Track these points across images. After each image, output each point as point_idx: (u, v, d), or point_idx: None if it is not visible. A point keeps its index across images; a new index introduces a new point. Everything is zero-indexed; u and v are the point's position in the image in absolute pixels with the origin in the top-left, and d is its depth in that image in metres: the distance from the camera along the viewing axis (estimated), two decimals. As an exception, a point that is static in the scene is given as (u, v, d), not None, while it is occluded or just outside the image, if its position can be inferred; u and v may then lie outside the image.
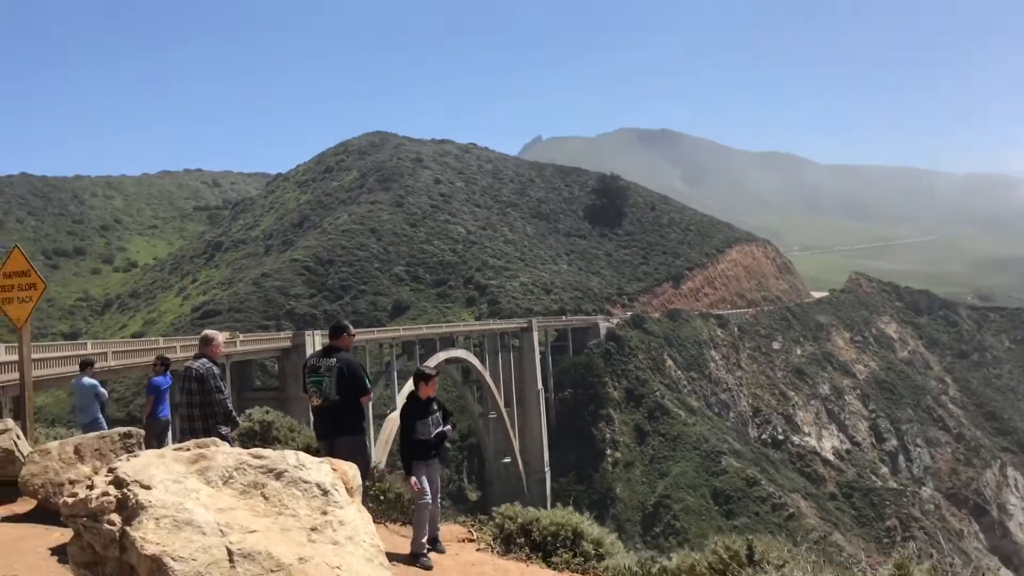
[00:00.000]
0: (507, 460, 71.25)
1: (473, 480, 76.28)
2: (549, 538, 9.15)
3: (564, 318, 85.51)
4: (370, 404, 8.03)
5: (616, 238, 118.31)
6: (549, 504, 71.83)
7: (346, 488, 4.39)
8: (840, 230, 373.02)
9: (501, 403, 69.63)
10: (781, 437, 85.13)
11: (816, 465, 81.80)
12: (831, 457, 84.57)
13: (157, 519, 3.68)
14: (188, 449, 4.30)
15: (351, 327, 9.03)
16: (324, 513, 4.07)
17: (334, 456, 8.00)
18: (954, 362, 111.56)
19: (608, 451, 73.09)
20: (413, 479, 8.27)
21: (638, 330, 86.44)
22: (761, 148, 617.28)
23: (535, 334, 75.38)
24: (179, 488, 3.92)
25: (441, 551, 8.66)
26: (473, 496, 74.83)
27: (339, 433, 8.49)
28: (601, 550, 9.04)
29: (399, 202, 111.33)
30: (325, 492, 4.16)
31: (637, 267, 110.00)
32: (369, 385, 8.79)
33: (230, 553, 3.65)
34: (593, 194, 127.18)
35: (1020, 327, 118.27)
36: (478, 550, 9.21)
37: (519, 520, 9.39)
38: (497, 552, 9.21)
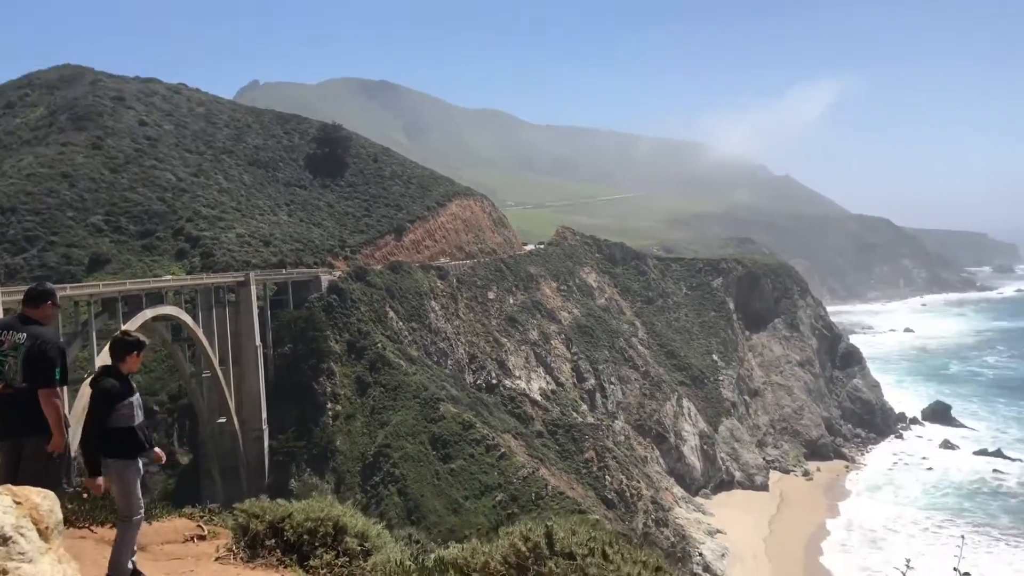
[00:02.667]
0: (222, 420, 69.18)
1: (184, 443, 73.22)
2: (305, 536, 7.85)
3: (284, 271, 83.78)
4: (64, 399, 6.98)
5: (338, 189, 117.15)
6: (267, 463, 71.06)
7: (38, 529, 3.13)
8: (551, 187, 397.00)
9: (216, 361, 67.21)
10: (495, 381, 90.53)
11: (526, 406, 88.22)
12: (539, 398, 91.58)
13: None
14: None
15: (56, 293, 7.26)
16: (3, 573, 2.79)
17: (19, 463, 6.60)
18: (643, 307, 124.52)
19: (329, 405, 73.52)
20: (101, 479, 6.67)
21: (360, 283, 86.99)
22: (480, 106, 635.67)
23: (253, 288, 73.26)
24: None
25: None
26: (184, 460, 71.95)
27: (26, 432, 6.66)
28: (367, 544, 8.00)
29: (97, 144, 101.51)
30: (3, 540, 2.86)
31: (360, 219, 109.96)
32: (59, 376, 6.88)
33: None
34: (314, 143, 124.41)
35: (695, 275, 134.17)
36: (217, 559, 7.84)
37: (267, 518, 8.00)
38: (242, 559, 7.80)
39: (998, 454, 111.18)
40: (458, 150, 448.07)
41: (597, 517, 64.80)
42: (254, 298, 73.49)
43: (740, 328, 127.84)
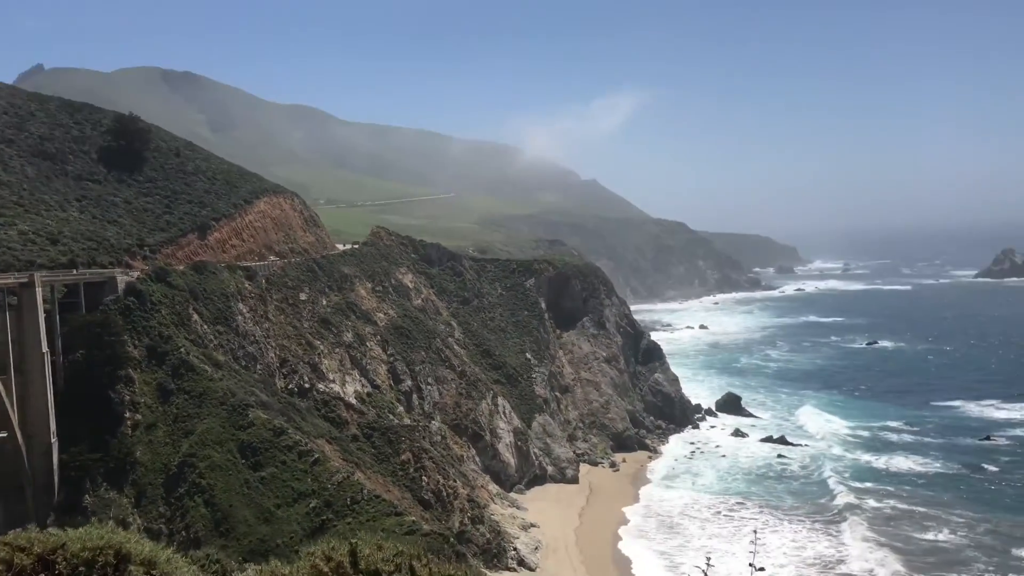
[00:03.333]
0: (3, 435, 62.88)
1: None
2: (82, 569, 7.00)
3: (76, 272, 77.18)
4: None
5: (136, 185, 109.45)
6: (57, 479, 65.33)
7: None
8: (364, 186, 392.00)
9: (-6, 370, 60.96)
10: (307, 385, 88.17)
11: (340, 410, 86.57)
12: (354, 401, 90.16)
13: None
14: None
15: None
16: None
17: None
18: (459, 307, 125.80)
19: (128, 414, 68.70)
20: None
21: (161, 284, 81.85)
22: (290, 101, 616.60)
23: (39, 290, 67.01)
24: None
25: None
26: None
27: None
28: (155, 572, 7.23)
29: None
30: None
31: (160, 216, 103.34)
32: None
33: None
34: (109, 135, 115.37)
35: (509, 276, 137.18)
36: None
37: (35, 550, 7.02)
38: (5, 600, 6.75)
39: (782, 440, 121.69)
40: (267, 146, 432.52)
41: (413, 519, 64.76)
42: (40, 301, 67.26)
43: (551, 327, 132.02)
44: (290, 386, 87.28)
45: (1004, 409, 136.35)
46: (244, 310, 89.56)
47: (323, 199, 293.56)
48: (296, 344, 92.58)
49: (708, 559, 11.42)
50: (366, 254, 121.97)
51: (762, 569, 11.54)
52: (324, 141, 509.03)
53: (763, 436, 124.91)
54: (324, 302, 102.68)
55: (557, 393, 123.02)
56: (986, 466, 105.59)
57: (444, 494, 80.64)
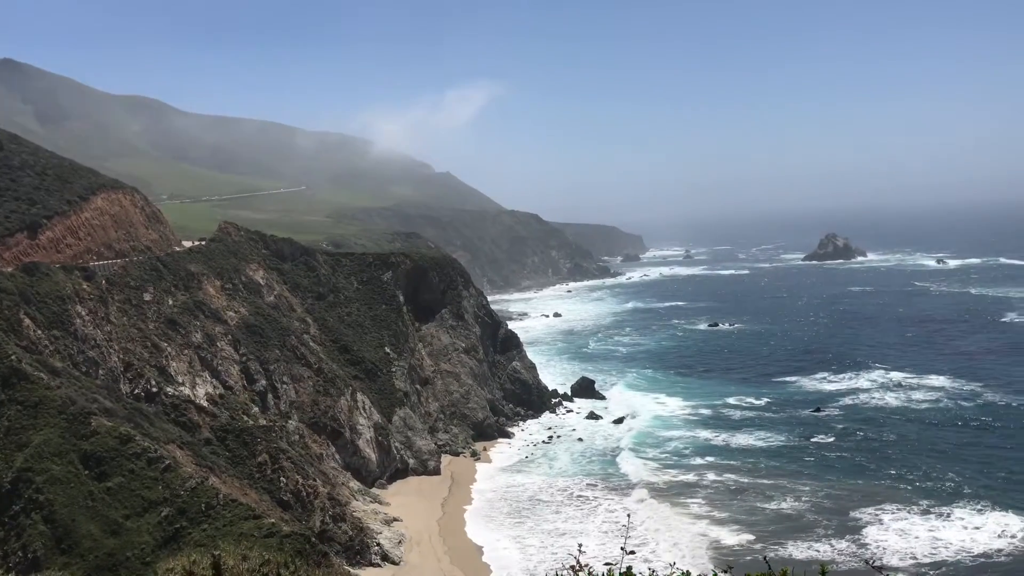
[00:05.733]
0: None
1: None
2: None
3: None
4: None
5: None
6: None
7: None
8: (208, 179, 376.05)
9: None
10: (155, 389, 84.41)
11: (191, 413, 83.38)
12: (205, 403, 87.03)
13: None
14: None
15: None
16: None
17: None
18: (314, 304, 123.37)
19: (-49, 429, 63.51)
20: None
21: (-16, 287, 76.04)
22: (126, 91, 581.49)
23: None
24: None
25: None
26: None
27: None
28: None
29: None
30: None
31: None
32: None
33: None
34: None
35: (366, 269, 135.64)
36: None
37: None
38: None
39: (631, 420, 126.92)
40: (103, 139, 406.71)
41: (273, 521, 63.45)
42: None
43: (410, 320, 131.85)
44: (136, 391, 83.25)
45: (833, 382, 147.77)
46: (83, 313, 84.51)
47: (166, 194, 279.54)
48: (141, 347, 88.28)
49: (580, 546, 12.31)
50: (214, 251, 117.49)
51: (632, 552, 12.43)
52: (164, 133, 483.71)
53: (615, 418, 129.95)
54: (170, 302, 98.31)
55: (417, 386, 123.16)
56: (820, 436, 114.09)
57: (304, 494, 79.38)
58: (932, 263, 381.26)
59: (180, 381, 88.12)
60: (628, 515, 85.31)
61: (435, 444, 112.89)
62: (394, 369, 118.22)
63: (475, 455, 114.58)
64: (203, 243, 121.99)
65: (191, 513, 62.01)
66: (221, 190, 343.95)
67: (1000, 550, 74.75)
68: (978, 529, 79.43)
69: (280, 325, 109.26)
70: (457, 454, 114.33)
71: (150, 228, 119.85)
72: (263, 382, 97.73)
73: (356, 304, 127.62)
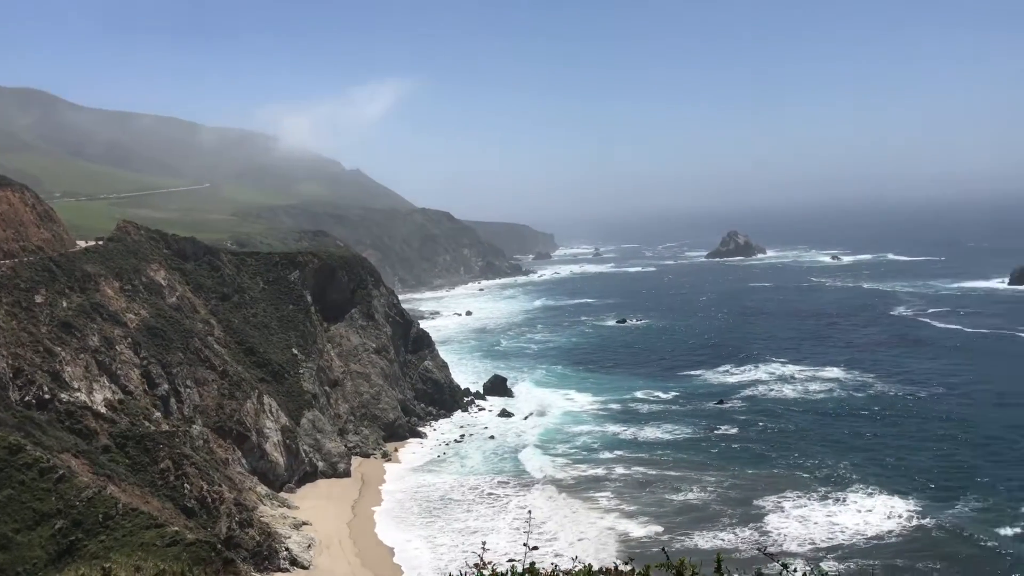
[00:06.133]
0: None
1: None
2: None
3: None
4: None
5: None
6: None
7: None
8: (105, 177, 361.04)
9: None
10: (48, 396, 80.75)
11: (88, 420, 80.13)
12: (103, 410, 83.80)
13: None
14: None
15: None
16: None
17: None
18: (218, 304, 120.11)
19: None
20: None
21: None
22: (14, 84, 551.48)
23: None
24: None
25: None
26: None
27: None
28: None
29: None
30: None
31: None
32: None
33: None
34: None
35: (272, 269, 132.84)
36: None
37: None
38: None
39: (541, 416, 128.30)
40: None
41: (176, 529, 61.67)
42: None
43: (318, 320, 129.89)
44: (27, 398, 79.44)
45: (735, 375, 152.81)
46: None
47: (59, 192, 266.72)
48: (32, 352, 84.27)
49: (483, 544, 12.58)
50: (112, 251, 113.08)
51: (535, 548, 12.70)
52: (56, 128, 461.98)
53: (526, 415, 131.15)
54: (65, 304, 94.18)
55: (327, 387, 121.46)
56: (724, 427, 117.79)
57: (209, 500, 77.35)
58: (827, 259, 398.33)
59: (75, 387, 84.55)
60: (529, 512, 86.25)
61: (345, 446, 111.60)
62: (302, 371, 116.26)
63: (386, 456, 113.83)
64: (100, 243, 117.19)
65: (87, 524, 59.66)
66: (119, 187, 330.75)
67: (891, 531, 78.96)
68: (870, 512, 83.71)
69: (183, 327, 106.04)
70: (368, 456, 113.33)
71: (42, 227, 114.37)
72: (165, 386, 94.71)
73: (262, 305, 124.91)
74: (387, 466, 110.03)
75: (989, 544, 74.81)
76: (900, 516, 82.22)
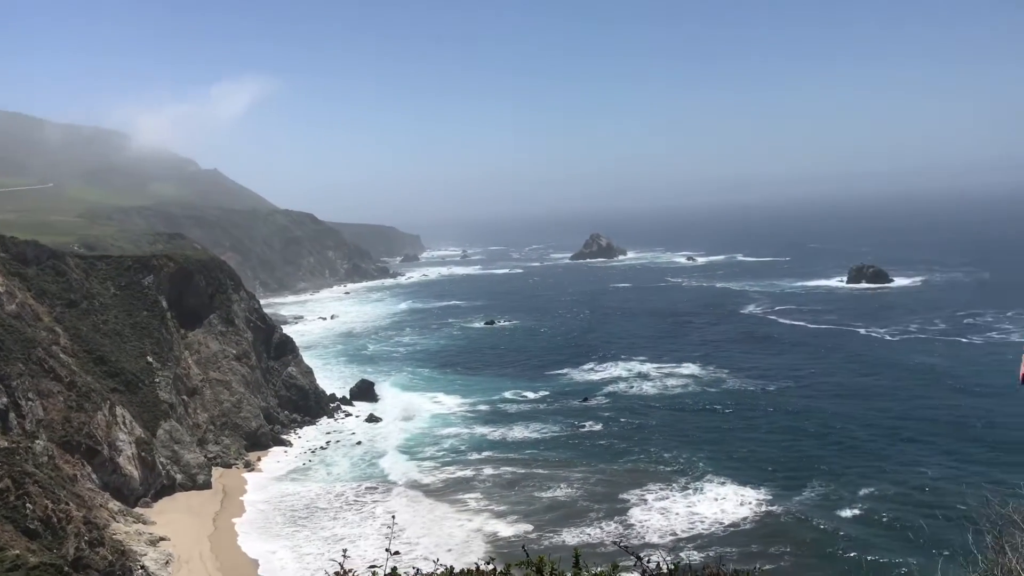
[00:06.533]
0: None
1: None
2: None
3: None
4: None
5: None
6: None
7: None
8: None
9: None
10: None
11: (-86, 439, 73.79)
12: (-68, 427, 77.38)
13: None
14: None
15: None
16: None
17: None
18: (64, 311, 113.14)
19: None
20: None
21: None
22: None
23: None
24: None
25: None
26: None
27: None
28: None
29: None
30: None
31: None
32: None
33: None
34: None
35: (124, 273, 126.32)
36: None
37: None
38: None
39: (409, 420, 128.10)
40: None
41: (17, 552, 57.99)
42: None
43: (175, 326, 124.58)
44: None
45: (599, 372, 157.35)
46: None
47: None
48: None
49: (344, 552, 12.79)
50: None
51: (397, 552, 12.91)
52: None
53: (394, 419, 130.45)
54: None
55: (184, 396, 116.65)
56: (589, 424, 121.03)
57: (54, 520, 72.84)
58: (683, 260, 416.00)
59: (-101, 404, 77.70)
60: (393, 517, 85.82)
61: (205, 457, 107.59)
62: (158, 379, 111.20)
63: (249, 466, 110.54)
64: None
65: (-84, 552, 55.17)
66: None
67: (745, 518, 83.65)
68: (726, 500, 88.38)
69: (24, 336, 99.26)
70: (229, 466, 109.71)
71: None
72: (4, 399, 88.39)
73: (114, 311, 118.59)
74: (250, 476, 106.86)
75: (830, 527, 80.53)
76: (750, 502, 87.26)
